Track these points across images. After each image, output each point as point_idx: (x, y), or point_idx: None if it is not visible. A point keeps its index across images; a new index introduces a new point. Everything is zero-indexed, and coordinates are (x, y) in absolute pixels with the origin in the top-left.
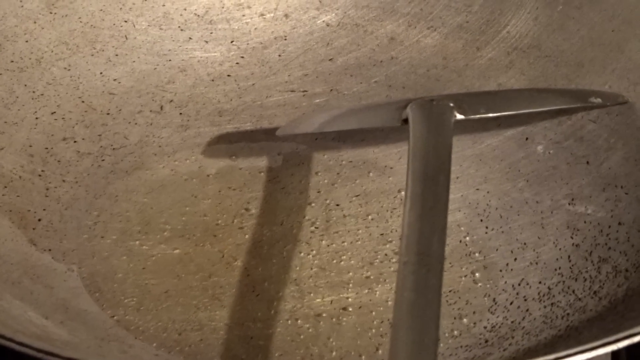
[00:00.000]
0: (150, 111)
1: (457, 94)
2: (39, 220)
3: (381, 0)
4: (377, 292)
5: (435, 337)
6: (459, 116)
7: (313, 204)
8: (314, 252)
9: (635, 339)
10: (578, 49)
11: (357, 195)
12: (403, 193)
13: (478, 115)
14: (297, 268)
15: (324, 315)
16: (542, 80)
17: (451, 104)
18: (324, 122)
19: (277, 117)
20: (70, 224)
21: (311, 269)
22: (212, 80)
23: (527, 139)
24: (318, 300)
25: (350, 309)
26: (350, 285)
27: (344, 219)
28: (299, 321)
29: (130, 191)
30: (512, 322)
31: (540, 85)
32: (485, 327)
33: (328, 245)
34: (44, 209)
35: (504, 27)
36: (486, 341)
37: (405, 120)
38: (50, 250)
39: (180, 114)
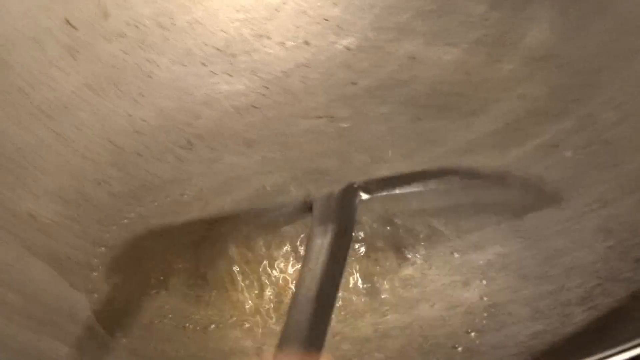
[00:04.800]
0: (179, 147)
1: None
2: (76, 262)
3: (398, 20)
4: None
5: None
6: (365, 196)
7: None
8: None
9: None
10: (595, 55)
11: None
12: None
13: (385, 192)
14: None
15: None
16: (561, 88)
17: (355, 185)
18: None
19: (304, 144)
20: (109, 264)
21: None
22: (238, 113)
23: (554, 146)
24: None
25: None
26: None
27: None
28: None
29: (166, 227)
30: (554, 328)
31: (560, 94)
32: (527, 336)
33: None
34: (80, 251)
35: (520, 38)
36: (529, 348)
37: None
38: (87, 290)
39: (210, 148)
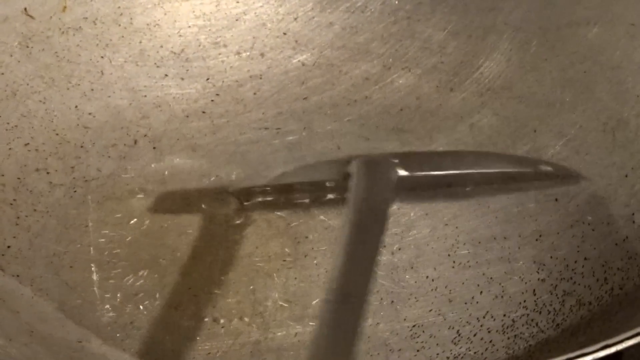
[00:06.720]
0: (124, 145)
1: (402, 152)
2: (8, 247)
3: (357, 41)
4: None
5: None
6: (402, 172)
7: (282, 236)
8: (281, 284)
9: (588, 358)
10: (549, 90)
11: (326, 228)
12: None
13: (423, 172)
14: (263, 300)
15: (287, 347)
16: (513, 121)
17: (395, 161)
18: (273, 177)
19: (250, 153)
20: (40, 252)
21: (277, 301)
22: (187, 117)
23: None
24: (282, 333)
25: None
26: (316, 319)
27: (312, 252)
28: (263, 354)
29: (100, 222)
30: (474, 353)
31: (511, 126)
32: (447, 358)
33: (295, 278)
34: (14, 237)
35: (477, 68)
36: None
37: (349, 175)
38: (18, 276)
39: (154, 148)
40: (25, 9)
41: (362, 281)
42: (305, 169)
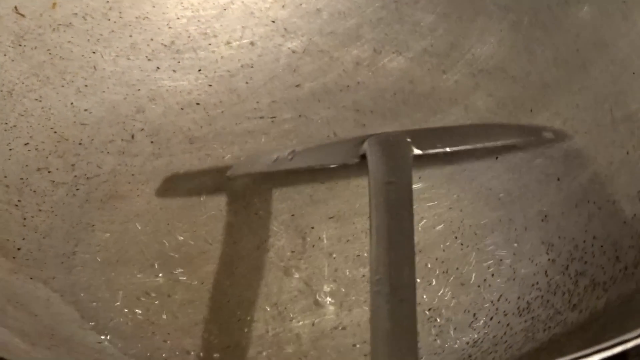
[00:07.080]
0: (122, 140)
1: (414, 129)
2: (19, 249)
3: (346, 26)
4: (356, 313)
5: None
6: (417, 151)
7: (288, 227)
8: (292, 275)
9: (616, 350)
10: (543, 70)
11: (331, 217)
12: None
13: (435, 150)
14: (276, 292)
15: (305, 337)
16: (509, 101)
17: (408, 140)
18: (280, 159)
19: (247, 143)
20: (49, 253)
21: (290, 292)
22: (182, 109)
23: (497, 158)
24: (299, 323)
25: (331, 331)
26: (330, 306)
27: (319, 241)
28: (282, 344)
29: (106, 220)
30: (493, 336)
31: (507, 107)
32: (467, 343)
33: (305, 268)
34: (23, 238)
35: (468, 49)
36: (469, 356)
37: (363, 156)
38: (32, 278)
39: (152, 142)
40: (16, 7)
41: (408, 267)
42: (314, 151)
